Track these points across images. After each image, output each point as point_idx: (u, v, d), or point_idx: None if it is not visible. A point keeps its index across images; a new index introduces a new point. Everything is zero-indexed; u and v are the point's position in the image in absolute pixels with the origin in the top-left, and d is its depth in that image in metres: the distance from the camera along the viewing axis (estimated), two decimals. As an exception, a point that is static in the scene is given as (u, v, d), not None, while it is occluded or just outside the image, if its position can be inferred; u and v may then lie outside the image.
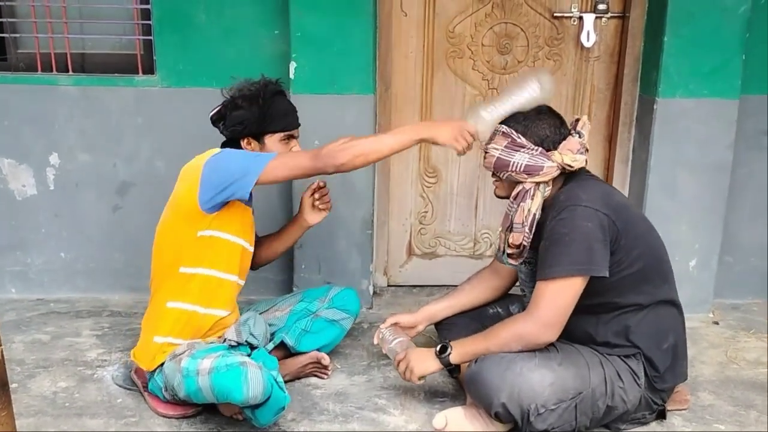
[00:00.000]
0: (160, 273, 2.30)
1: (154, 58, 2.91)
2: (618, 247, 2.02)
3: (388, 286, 3.32)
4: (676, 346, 2.15)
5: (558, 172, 2.08)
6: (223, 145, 2.30)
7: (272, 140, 2.26)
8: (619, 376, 2.06)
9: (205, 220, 2.19)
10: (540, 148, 2.06)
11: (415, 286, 3.32)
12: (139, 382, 2.34)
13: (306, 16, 2.72)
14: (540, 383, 1.98)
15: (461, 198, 3.22)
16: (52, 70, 2.94)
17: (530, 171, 2.06)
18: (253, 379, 1.99)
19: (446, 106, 3.10)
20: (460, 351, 2.12)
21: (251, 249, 2.37)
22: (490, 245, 3.27)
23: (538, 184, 2.08)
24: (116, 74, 2.96)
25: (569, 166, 2.07)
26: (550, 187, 2.10)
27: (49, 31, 2.92)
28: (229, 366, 2.02)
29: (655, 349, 2.10)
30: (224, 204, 2.18)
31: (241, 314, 2.44)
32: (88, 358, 2.61)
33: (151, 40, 2.90)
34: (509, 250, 2.13)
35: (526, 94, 2.11)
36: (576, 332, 2.11)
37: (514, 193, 2.12)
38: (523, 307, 2.39)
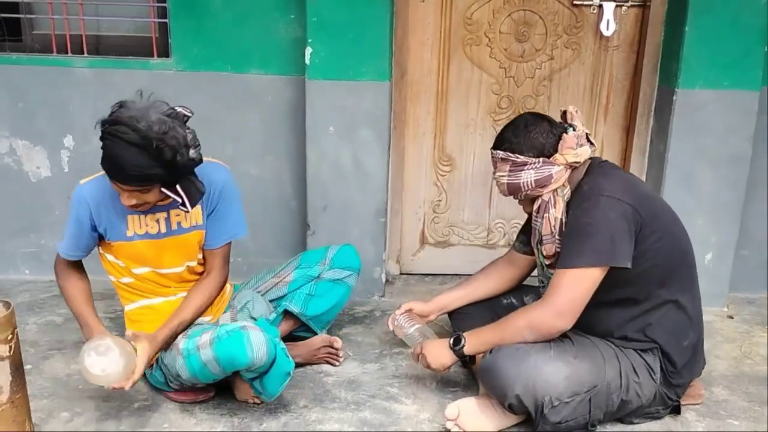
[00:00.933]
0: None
1: (169, 41, 2.89)
2: (641, 237, 1.99)
3: (401, 274, 3.31)
4: (697, 342, 2.14)
5: (569, 172, 2.06)
6: None
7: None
8: (635, 370, 2.05)
9: None
10: (541, 158, 2.05)
11: (427, 275, 3.31)
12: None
13: (323, 1, 2.70)
14: (555, 376, 1.97)
15: (475, 187, 3.20)
16: (67, 52, 2.94)
17: (542, 184, 2.06)
18: (255, 341, 1.99)
19: (462, 93, 3.08)
20: (473, 342, 2.11)
21: (171, 272, 2.26)
22: (504, 235, 3.25)
23: (555, 190, 2.07)
24: (131, 57, 2.95)
25: (576, 162, 2.05)
26: (568, 188, 2.08)
27: (64, 12, 2.91)
28: (230, 332, 2.03)
29: (674, 345, 2.08)
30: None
31: (235, 288, 2.45)
32: (101, 341, 2.62)
33: (166, 23, 2.88)
34: (547, 262, 2.13)
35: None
36: (595, 325, 2.09)
37: (535, 207, 2.11)
38: (538, 298, 2.38)
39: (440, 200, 3.22)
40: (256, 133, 3.00)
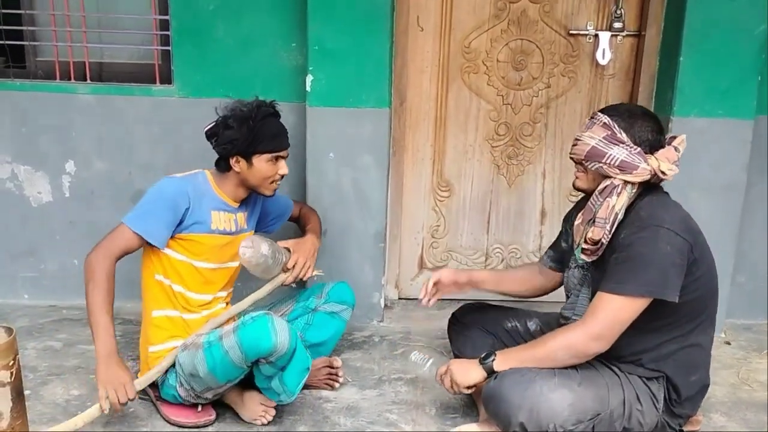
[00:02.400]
0: (142, 282, 2.37)
1: (172, 68, 2.93)
2: (689, 273, 1.98)
3: (399, 299, 3.32)
4: (704, 376, 2.14)
5: (649, 176, 2.01)
6: (216, 163, 2.36)
7: (260, 160, 2.30)
8: (638, 398, 2.05)
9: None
10: (639, 148, 2.01)
11: (425, 300, 3.31)
12: (151, 392, 2.35)
13: (324, 30, 2.74)
14: (560, 403, 1.97)
15: (473, 212, 3.23)
16: (70, 79, 2.97)
17: (624, 167, 2.00)
18: (279, 326, 2.09)
19: (460, 120, 3.11)
20: (504, 358, 2.08)
21: (227, 268, 2.41)
22: (502, 260, 3.27)
23: (626, 183, 2.02)
24: (134, 84, 2.98)
25: (663, 173, 2.01)
26: (636, 191, 2.04)
27: (68, 39, 2.95)
28: (255, 318, 2.12)
29: (683, 378, 2.08)
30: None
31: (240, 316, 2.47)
32: (100, 366, 2.62)
33: (169, 50, 2.92)
34: (585, 245, 2.08)
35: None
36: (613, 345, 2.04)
37: (601, 187, 2.04)
38: (541, 323, 2.40)
39: (438, 225, 3.24)
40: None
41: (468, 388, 2.13)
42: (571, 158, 2.14)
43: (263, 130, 2.27)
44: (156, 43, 2.96)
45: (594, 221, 2.04)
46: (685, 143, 2.11)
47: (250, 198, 2.45)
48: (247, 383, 2.27)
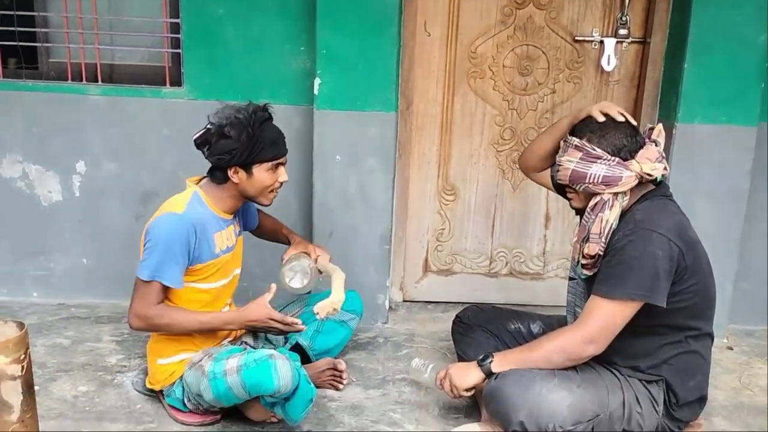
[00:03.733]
0: None
1: (182, 70, 2.97)
2: (680, 280, 2.00)
3: (404, 301, 3.35)
4: (702, 384, 2.16)
5: (636, 181, 2.03)
6: (209, 171, 2.28)
7: (260, 169, 2.21)
8: (638, 401, 2.07)
9: None
10: (617, 158, 2.02)
11: (430, 302, 3.34)
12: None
13: (332, 35, 2.78)
14: (559, 404, 1.99)
15: (478, 216, 3.25)
16: (81, 80, 3.01)
17: (608, 182, 2.01)
18: (282, 369, 2.06)
19: (466, 124, 3.14)
20: (502, 360, 2.11)
21: (232, 278, 2.41)
22: (506, 264, 3.30)
23: (616, 194, 2.03)
24: (144, 85, 3.02)
25: (648, 174, 2.02)
26: (628, 197, 2.06)
27: (80, 41, 2.99)
28: (258, 360, 2.09)
29: (680, 383, 2.10)
30: None
31: None
32: (108, 364, 2.66)
33: (179, 53, 2.96)
34: (584, 261, 2.10)
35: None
36: (609, 349, 2.07)
37: (591, 204, 2.06)
38: (544, 326, 2.42)
39: (443, 229, 3.27)
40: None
41: (467, 390, 2.15)
42: (559, 183, 2.17)
43: (263, 137, 2.17)
44: (167, 46, 3.00)
45: (588, 238, 2.06)
46: (663, 133, 2.12)
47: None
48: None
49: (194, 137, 2.22)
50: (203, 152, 2.22)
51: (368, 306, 2.96)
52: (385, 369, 2.71)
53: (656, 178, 2.08)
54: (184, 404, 2.27)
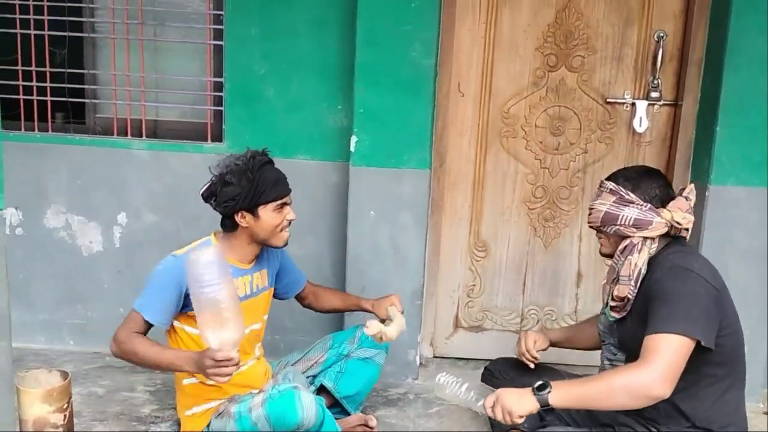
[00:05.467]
0: None
1: (223, 127, 3.07)
2: (720, 324, 2.00)
3: (434, 357, 3.35)
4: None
5: (666, 229, 2.07)
6: (222, 224, 2.34)
7: (266, 210, 2.27)
8: None
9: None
10: (649, 204, 2.09)
11: (460, 359, 3.34)
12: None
13: (369, 94, 2.86)
14: None
15: (510, 273, 3.27)
16: (126, 135, 3.12)
17: (639, 225, 2.06)
18: (306, 401, 2.07)
19: (498, 182, 3.19)
20: (560, 391, 2.01)
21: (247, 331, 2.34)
22: (537, 321, 3.29)
23: (645, 239, 2.07)
24: (186, 141, 3.13)
25: (678, 223, 2.06)
26: (656, 245, 2.09)
27: (127, 98, 3.11)
28: (282, 392, 2.11)
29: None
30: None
31: (271, 366, 2.52)
32: (141, 414, 2.69)
33: (221, 110, 3.07)
34: (613, 303, 2.12)
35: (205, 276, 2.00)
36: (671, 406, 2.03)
37: (621, 247, 2.11)
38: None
39: (474, 285, 3.29)
40: (299, 214, 3.06)
41: (521, 417, 2.03)
42: (590, 227, 2.22)
43: (263, 179, 2.24)
44: (209, 103, 3.11)
45: (618, 279, 2.10)
46: (694, 191, 2.17)
47: (264, 254, 2.42)
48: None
49: (201, 191, 2.30)
50: (211, 204, 2.29)
51: (399, 362, 2.98)
52: (415, 426, 2.70)
53: (684, 229, 2.11)
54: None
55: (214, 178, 2.27)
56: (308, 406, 2.07)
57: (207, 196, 2.28)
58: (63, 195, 3.17)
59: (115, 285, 3.21)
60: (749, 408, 2.89)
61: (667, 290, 1.99)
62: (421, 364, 3.19)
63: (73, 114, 3.21)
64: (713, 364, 2.04)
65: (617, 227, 2.10)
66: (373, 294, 2.98)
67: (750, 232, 2.89)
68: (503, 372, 2.53)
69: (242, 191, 2.22)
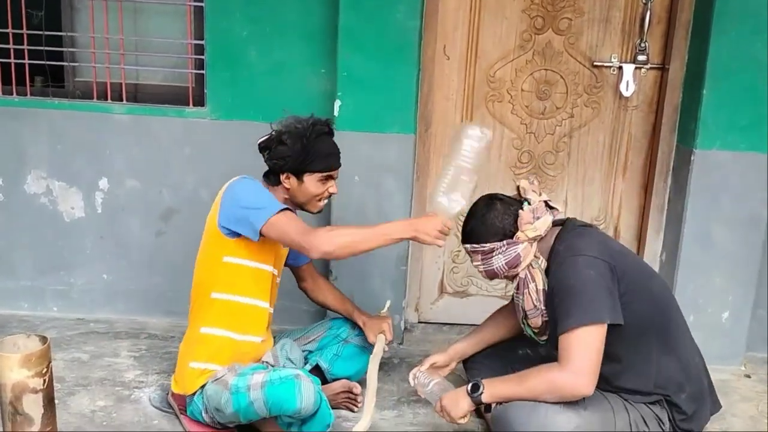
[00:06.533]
0: (194, 298, 2.39)
1: (205, 91, 3.02)
2: (618, 293, 2.04)
3: (419, 322, 3.36)
4: (698, 392, 2.17)
5: (535, 245, 2.14)
6: (265, 175, 2.38)
7: (310, 179, 2.31)
8: (645, 421, 2.09)
9: (229, 245, 2.27)
10: (505, 240, 2.13)
11: (445, 324, 3.35)
12: (175, 405, 2.40)
13: (353, 58, 2.82)
14: (565, 426, 2.00)
15: (495, 239, 3.26)
16: (106, 99, 3.07)
17: (512, 264, 2.15)
18: (306, 391, 2.08)
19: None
20: (492, 392, 2.13)
21: (279, 278, 2.45)
22: (522, 287, 3.30)
23: (529, 265, 2.14)
24: (167, 105, 3.08)
25: (537, 236, 2.13)
26: (542, 258, 2.15)
27: (106, 61, 3.06)
28: (283, 378, 2.11)
29: (676, 396, 2.12)
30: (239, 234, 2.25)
31: (275, 342, 2.50)
32: (125, 379, 2.69)
33: (203, 74, 3.02)
34: (535, 331, 2.21)
35: (468, 149, 2.15)
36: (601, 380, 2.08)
37: (515, 285, 2.20)
38: (553, 349, 2.42)
39: (459, 250, 3.28)
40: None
41: (462, 418, 2.17)
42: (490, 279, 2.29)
43: (316, 149, 2.28)
44: (191, 67, 3.06)
45: (527, 315, 2.18)
46: (530, 186, 2.19)
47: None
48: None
49: (259, 141, 2.34)
50: (264, 156, 2.33)
51: (384, 326, 2.98)
52: (400, 390, 2.72)
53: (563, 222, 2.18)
54: (202, 417, 2.29)
55: (273, 133, 2.31)
56: (308, 395, 2.08)
57: (261, 148, 2.33)
58: (44, 160, 3.12)
59: (98, 251, 3.19)
60: (731, 371, 2.95)
61: (563, 285, 2.04)
62: (406, 329, 3.20)
63: (52, 78, 3.16)
64: (633, 335, 2.07)
65: (502, 276, 2.18)
66: (359, 261, 2.95)
67: (736, 196, 2.89)
68: (479, 360, 2.54)
69: (293, 154, 2.26)
